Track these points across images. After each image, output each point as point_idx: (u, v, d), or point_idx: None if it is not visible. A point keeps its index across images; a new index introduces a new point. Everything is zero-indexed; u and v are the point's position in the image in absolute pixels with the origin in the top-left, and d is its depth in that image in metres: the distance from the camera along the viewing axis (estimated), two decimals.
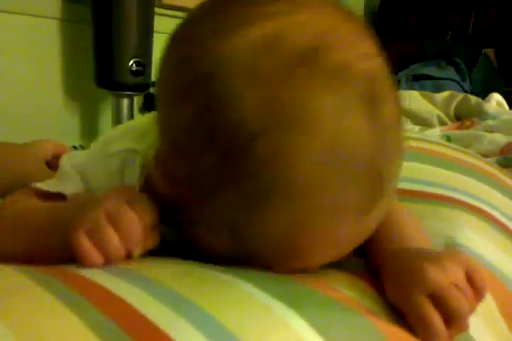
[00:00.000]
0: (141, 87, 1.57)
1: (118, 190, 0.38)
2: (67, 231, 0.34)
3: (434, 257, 0.35)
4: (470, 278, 0.34)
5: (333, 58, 0.32)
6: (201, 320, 0.28)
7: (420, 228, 0.45)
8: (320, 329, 0.30)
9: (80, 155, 0.48)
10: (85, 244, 0.33)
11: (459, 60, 2.19)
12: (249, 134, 0.31)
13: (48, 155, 0.66)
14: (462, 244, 0.45)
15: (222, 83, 0.32)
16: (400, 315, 0.35)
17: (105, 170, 0.45)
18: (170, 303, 0.29)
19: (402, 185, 0.55)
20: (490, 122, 1.18)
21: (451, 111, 1.36)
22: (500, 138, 1.05)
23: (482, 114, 1.29)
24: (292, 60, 0.31)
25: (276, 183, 0.31)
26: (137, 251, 0.35)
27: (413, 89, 1.84)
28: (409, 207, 0.50)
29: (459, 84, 2.05)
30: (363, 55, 0.34)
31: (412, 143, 0.71)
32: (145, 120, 0.50)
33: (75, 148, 1.27)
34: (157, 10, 1.61)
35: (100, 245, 0.33)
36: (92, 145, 0.49)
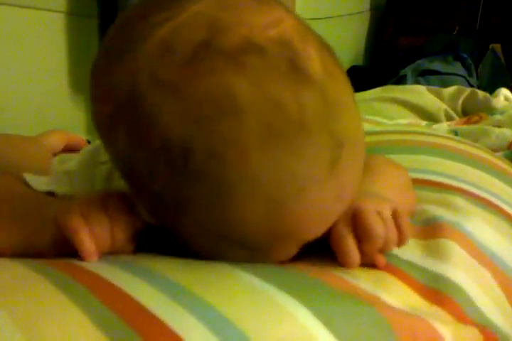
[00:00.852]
0: None
1: (115, 192, 0.37)
2: (57, 215, 0.34)
3: (372, 195, 0.38)
4: (394, 215, 0.37)
5: (229, 40, 0.31)
6: (204, 312, 0.28)
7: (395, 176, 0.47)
8: (325, 320, 0.30)
9: (71, 161, 0.48)
10: (81, 228, 0.33)
11: (465, 55, 2.18)
12: (181, 147, 0.30)
13: (59, 146, 0.66)
14: (473, 236, 0.44)
15: (141, 104, 0.32)
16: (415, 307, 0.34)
17: (93, 178, 0.44)
18: (173, 296, 0.29)
19: (415, 175, 0.55)
20: (498, 117, 1.18)
21: (459, 106, 1.35)
22: (509, 133, 1.04)
23: (490, 109, 1.28)
24: (187, 59, 0.31)
25: (229, 182, 0.31)
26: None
27: (419, 84, 1.83)
28: (419, 194, 0.50)
29: (466, 79, 2.04)
30: (266, 24, 0.32)
31: (421, 138, 0.71)
32: None
33: (89, 142, 1.27)
34: None
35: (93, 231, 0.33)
36: (81, 154, 0.49)
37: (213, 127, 0.30)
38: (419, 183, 0.53)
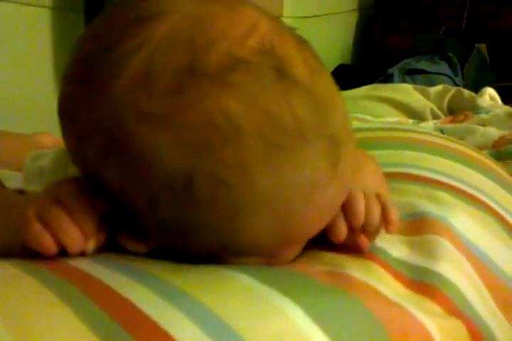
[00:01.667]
0: None
1: (67, 180, 0.36)
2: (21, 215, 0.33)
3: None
4: (377, 196, 0.39)
5: (213, 60, 0.30)
6: (197, 312, 0.28)
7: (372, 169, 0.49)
8: (316, 317, 0.30)
9: (44, 158, 0.46)
10: (37, 227, 0.32)
11: (451, 55, 2.20)
12: (184, 178, 0.30)
13: (48, 147, 0.66)
14: (457, 229, 0.45)
15: (132, 141, 0.30)
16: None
17: (64, 176, 0.42)
18: (165, 296, 0.29)
19: (400, 170, 0.55)
20: (483, 116, 1.19)
21: (445, 105, 1.36)
22: (494, 132, 1.05)
23: (475, 108, 1.29)
24: (173, 87, 0.29)
25: (236, 204, 0.30)
26: (91, 242, 0.34)
27: (406, 82, 1.84)
28: (405, 188, 0.50)
29: (452, 79, 2.06)
30: (244, 34, 0.31)
31: (408, 135, 0.71)
32: None
33: None
34: None
35: (53, 229, 0.32)
36: (55, 151, 0.47)
37: (215, 153, 0.29)
38: (405, 178, 0.54)
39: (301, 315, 0.30)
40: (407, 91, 1.39)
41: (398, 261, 0.39)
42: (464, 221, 0.46)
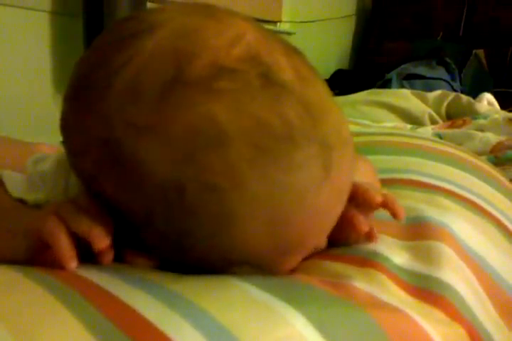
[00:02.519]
0: None
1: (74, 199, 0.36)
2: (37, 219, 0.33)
3: None
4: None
5: (197, 70, 0.30)
6: (199, 318, 0.28)
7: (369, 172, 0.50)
8: (319, 326, 0.30)
9: (46, 161, 0.45)
10: (54, 219, 0.32)
11: (449, 60, 2.21)
12: (175, 185, 0.30)
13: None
14: (458, 236, 0.45)
15: (123, 152, 0.31)
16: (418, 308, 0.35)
17: (67, 180, 0.42)
18: (168, 302, 0.29)
19: (401, 176, 0.55)
20: (481, 121, 1.19)
21: (443, 110, 1.36)
22: (492, 137, 1.06)
23: (473, 113, 1.30)
24: (158, 97, 0.30)
25: (228, 210, 0.30)
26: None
27: (404, 88, 1.85)
28: (406, 194, 0.50)
29: (449, 84, 2.07)
30: (229, 43, 0.31)
31: (407, 140, 0.71)
32: None
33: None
34: (149, 4, 1.60)
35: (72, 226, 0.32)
36: (57, 155, 0.47)
37: (203, 160, 0.29)
38: (407, 184, 0.54)
39: (304, 323, 0.29)
40: (405, 97, 1.40)
41: (400, 268, 0.39)
42: (464, 227, 0.46)
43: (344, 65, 2.80)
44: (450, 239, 0.43)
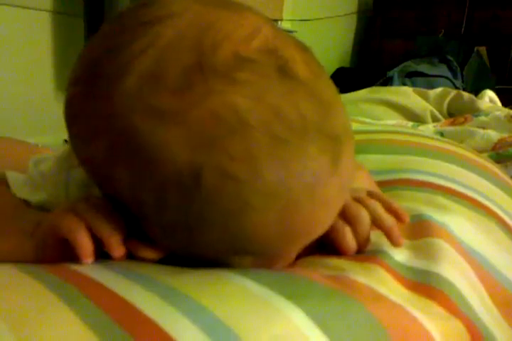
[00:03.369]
0: None
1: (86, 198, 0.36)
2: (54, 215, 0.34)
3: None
4: (369, 195, 0.41)
5: (220, 59, 0.31)
6: (197, 313, 0.28)
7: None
8: (318, 321, 0.30)
9: (46, 162, 0.46)
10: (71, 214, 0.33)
11: (451, 58, 2.20)
12: (192, 171, 0.30)
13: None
14: (456, 234, 0.45)
15: (141, 137, 0.31)
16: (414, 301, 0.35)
17: (66, 181, 0.43)
18: (166, 297, 0.29)
19: (401, 175, 0.55)
20: (483, 118, 1.19)
21: (445, 108, 1.36)
22: (493, 135, 1.05)
23: (475, 111, 1.29)
24: (181, 83, 0.30)
25: (243, 198, 0.30)
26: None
27: (406, 85, 1.85)
28: (406, 194, 0.51)
29: (451, 81, 2.06)
30: (248, 35, 0.32)
31: (408, 138, 0.71)
32: None
33: (66, 142, 1.26)
34: None
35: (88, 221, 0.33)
36: (57, 155, 0.47)
37: (222, 146, 0.30)
38: (408, 184, 0.54)
39: (303, 318, 0.30)
40: (406, 94, 1.40)
41: (400, 264, 0.39)
42: (464, 226, 0.46)
43: (346, 63, 2.80)
44: (448, 237, 0.43)
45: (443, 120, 1.31)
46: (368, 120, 1.11)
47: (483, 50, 2.35)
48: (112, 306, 0.28)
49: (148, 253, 0.35)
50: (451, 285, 0.38)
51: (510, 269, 0.45)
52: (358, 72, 2.54)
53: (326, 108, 0.32)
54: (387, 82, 2.04)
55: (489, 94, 1.47)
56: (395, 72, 2.09)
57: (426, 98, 1.38)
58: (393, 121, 1.25)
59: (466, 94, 1.38)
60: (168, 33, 0.31)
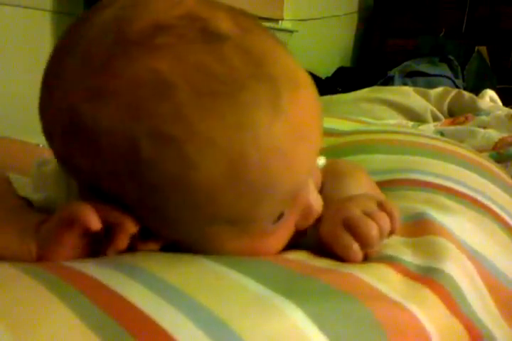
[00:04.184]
0: None
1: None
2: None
3: (354, 197, 0.41)
4: (380, 206, 0.39)
5: (137, 30, 0.32)
6: (196, 312, 0.28)
7: (366, 180, 0.50)
8: (316, 318, 0.30)
9: (50, 164, 0.46)
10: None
11: (452, 57, 2.20)
12: (128, 141, 0.31)
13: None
14: (458, 234, 0.45)
15: (78, 115, 0.32)
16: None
17: (69, 182, 0.42)
18: (165, 296, 0.29)
19: (402, 176, 0.55)
20: (483, 118, 1.19)
21: (445, 107, 1.36)
22: (494, 134, 1.05)
23: (476, 110, 1.29)
24: (103, 61, 0.32)
25: (186, 157, 0.31)
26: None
27: (406, 85, 1.84)
28: (407, 195, 0.51)
29: (452, 81, 2.06)
30: (170, 6, 0.33)
31: (409, 138, 0.71)
32: None
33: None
34: None
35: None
36: None
37: (151, 111, 0.30)
38: (406, 184, 0.54)
39: (301, 315, 0.30)
40: (407, 94, 1.39)
41: (402, 259, 0.39)
42: (464, 226, 0.46)
43: (346, 62, 2.80)
44: (449, 236, 0.43)
45: (444, 119, 1.30)
46: (368, 120, 1.11)
47: (484, 49, 2.35)
48: (112, 304, 0.28)
49: (147, 245, 0.35)
50: (453, 282, 0.38)
51: (510, 269, 0.45)
52: (359, 72, 2.53)
53: (257, 57, 0.32)
54: (388, 81, 2.04)
55: (490, 94, 1.46)
56: (395, 72, 2.09)
57: (427, 97, 1.38)
58: (394, 120, 1.24)
59: (466, 94, 1.38)
60: (96, 22, 0.34)
